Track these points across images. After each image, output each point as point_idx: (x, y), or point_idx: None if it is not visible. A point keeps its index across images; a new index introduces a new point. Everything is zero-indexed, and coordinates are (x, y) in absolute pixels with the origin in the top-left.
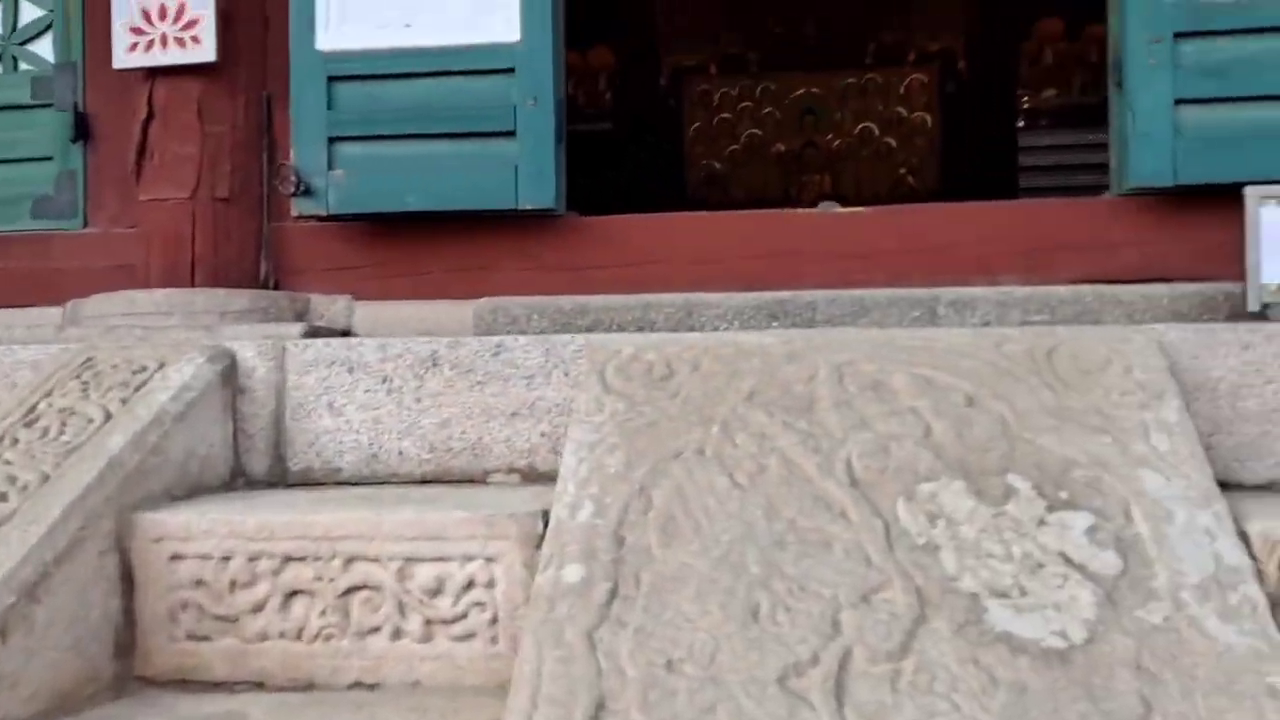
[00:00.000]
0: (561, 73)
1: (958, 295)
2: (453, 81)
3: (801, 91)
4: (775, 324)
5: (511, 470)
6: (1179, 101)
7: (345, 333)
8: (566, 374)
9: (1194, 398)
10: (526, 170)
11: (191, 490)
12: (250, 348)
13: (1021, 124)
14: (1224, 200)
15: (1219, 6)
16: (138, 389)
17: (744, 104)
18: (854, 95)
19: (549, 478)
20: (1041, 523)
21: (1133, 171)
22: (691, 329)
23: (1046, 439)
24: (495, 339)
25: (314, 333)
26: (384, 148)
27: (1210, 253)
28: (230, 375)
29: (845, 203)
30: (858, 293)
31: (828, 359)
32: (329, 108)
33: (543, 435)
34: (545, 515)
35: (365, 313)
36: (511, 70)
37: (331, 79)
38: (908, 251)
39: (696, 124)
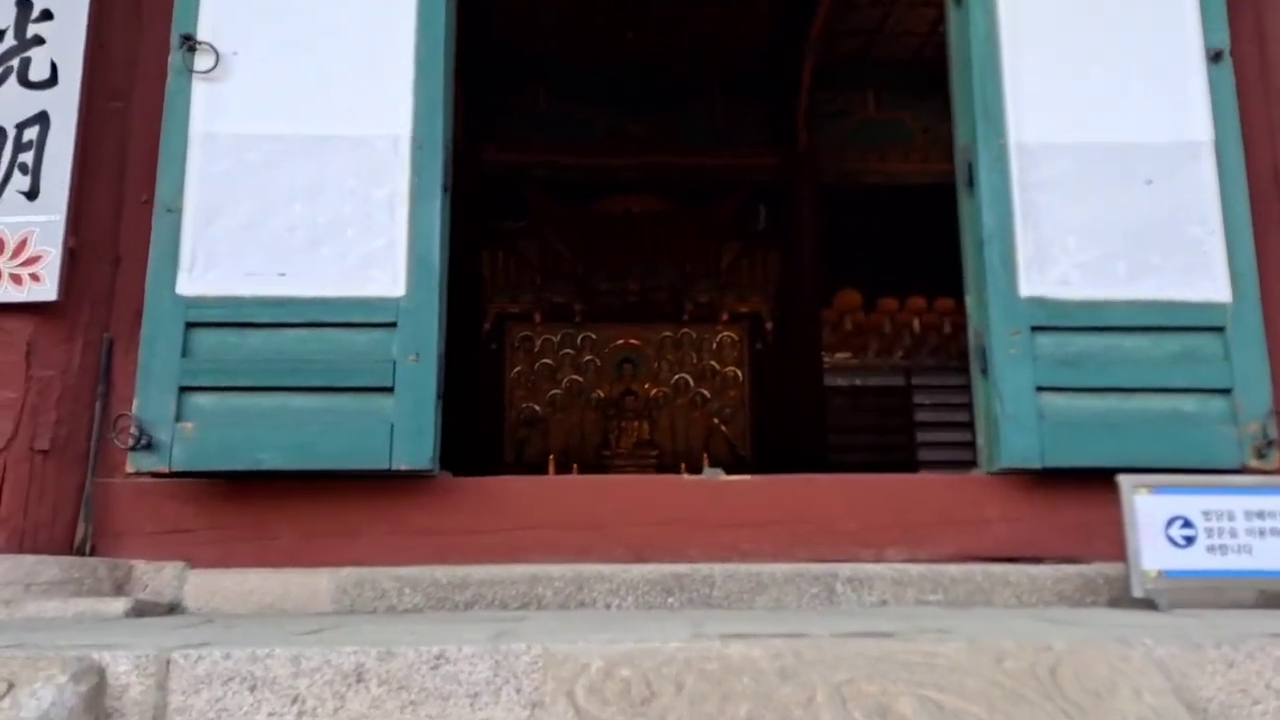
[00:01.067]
0: (444, 328)
1: (854, 572)
2: (328, 333)
3: (621, 342)
4: (671, 599)
5: None
6: (1041, 389)
7: (173, 606)
8: (519, 690)
9: None
10: (403, 428)
11: None
12: (125, 660)
13: (825, 383)
14: (1092, 481)
15: (1069, 305)
16: None
17: (565, 351)
18: (670, 348)
19: None
20: None
21: (1003, 453)
22: (582, 604)
23: None
24: (435, 649)
25: (140, 609)
26: (242, 399)
27: (1080, 530)
28: (97, 697)
29: (662, 450)
30: (754, 568)
31: (825, 678)
32: (184, 355)
33: None
34: None
35: (200, 582)
36: (394, 324)
37: (190, 325)
38: (794, 522)
39: (518, 368)
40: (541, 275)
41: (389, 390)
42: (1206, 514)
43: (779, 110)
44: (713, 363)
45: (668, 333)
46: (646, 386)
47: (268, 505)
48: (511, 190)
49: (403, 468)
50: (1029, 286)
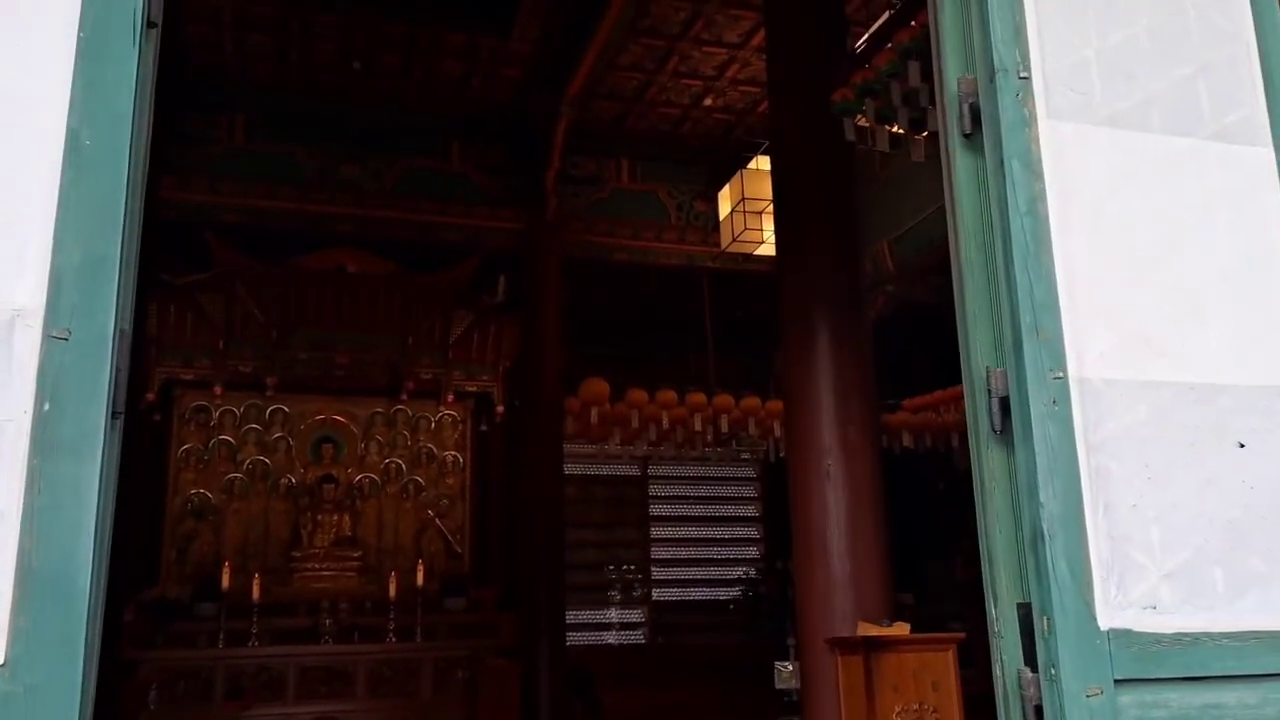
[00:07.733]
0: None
1: None
2: None
3: (321, 418)
4: None
5: None
6: None
7: None
8: None
9: None
10: None
11: None
12: None
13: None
14: None
15: (1161, 641)
16: None
17: (250, 426)
18: (381, 426)
19: None
20: None
21: None
22: None
23: None
24: None
25: None
26: None
27: None
28: None
29: (365, 549)
30: None
31: None
32: None
33: None
34: None
35: None
36: None
37: None
38: None
39: (187, 445)
40: (226, 338)
41: None
42: None
43: (526, 169)
44: (430, 446)
45: (378, 409)
46: (349, 471)
47: None
48: (193, 234)
49: None
50: (1109, 612)
